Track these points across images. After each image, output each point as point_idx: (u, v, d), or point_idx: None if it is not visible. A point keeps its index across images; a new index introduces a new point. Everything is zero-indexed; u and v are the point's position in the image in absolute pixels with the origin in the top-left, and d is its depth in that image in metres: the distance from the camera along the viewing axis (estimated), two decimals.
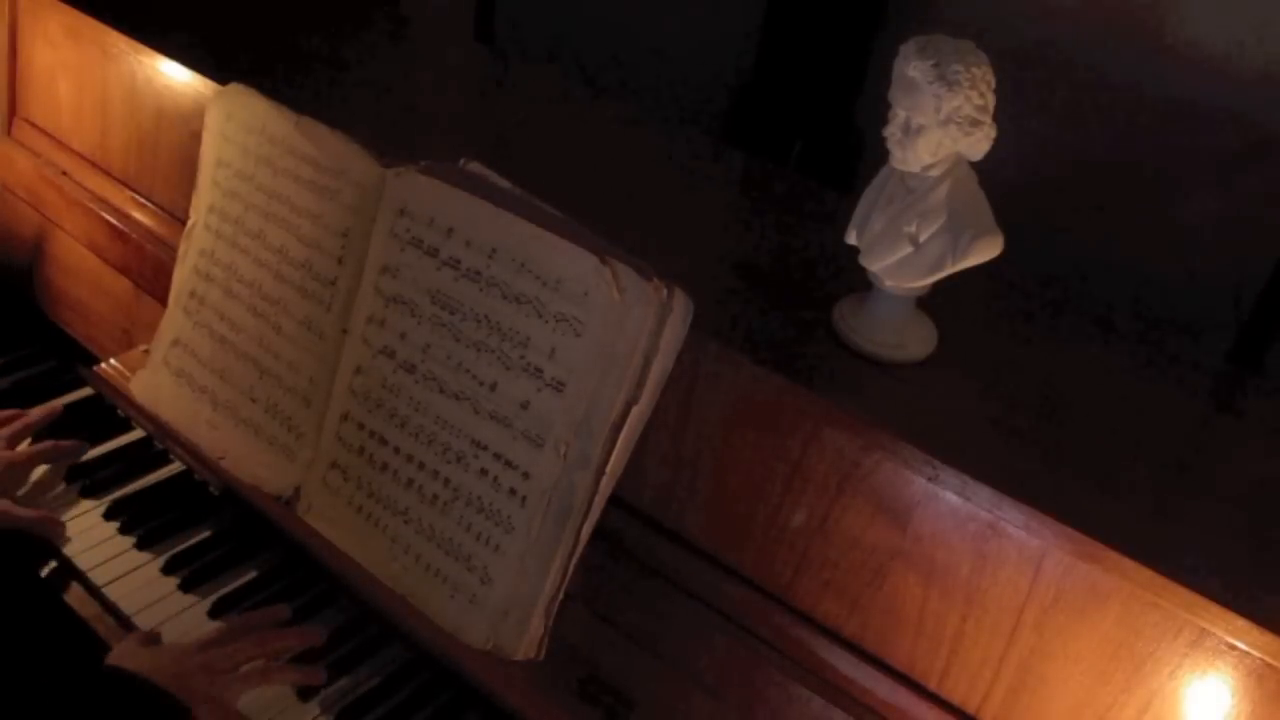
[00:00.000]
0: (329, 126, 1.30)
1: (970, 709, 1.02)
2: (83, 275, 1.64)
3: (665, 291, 1.07)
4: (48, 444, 1.43)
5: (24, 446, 1.44)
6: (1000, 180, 1.10)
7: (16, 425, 1.43)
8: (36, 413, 1.46)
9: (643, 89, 2.33)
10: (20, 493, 1.39)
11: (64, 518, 1.38)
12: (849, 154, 2.22)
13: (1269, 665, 0.87)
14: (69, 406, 1.56)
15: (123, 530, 1.38)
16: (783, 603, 1.10)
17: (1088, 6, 1.91)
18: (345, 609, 1.32)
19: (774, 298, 1.22)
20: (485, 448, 1.17)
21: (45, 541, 1.34)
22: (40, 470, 1.43)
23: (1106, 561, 0.92)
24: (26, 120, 1.70)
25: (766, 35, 2.28)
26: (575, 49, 2.48)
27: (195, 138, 1.41)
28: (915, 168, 1.05)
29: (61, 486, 1.43)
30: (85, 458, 1.46)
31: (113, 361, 1.52)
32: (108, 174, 1.60)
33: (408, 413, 1.23)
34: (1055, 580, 0.95)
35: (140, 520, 1.39)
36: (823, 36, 2.19)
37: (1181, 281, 1.86)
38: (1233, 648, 0.88)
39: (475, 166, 1.25)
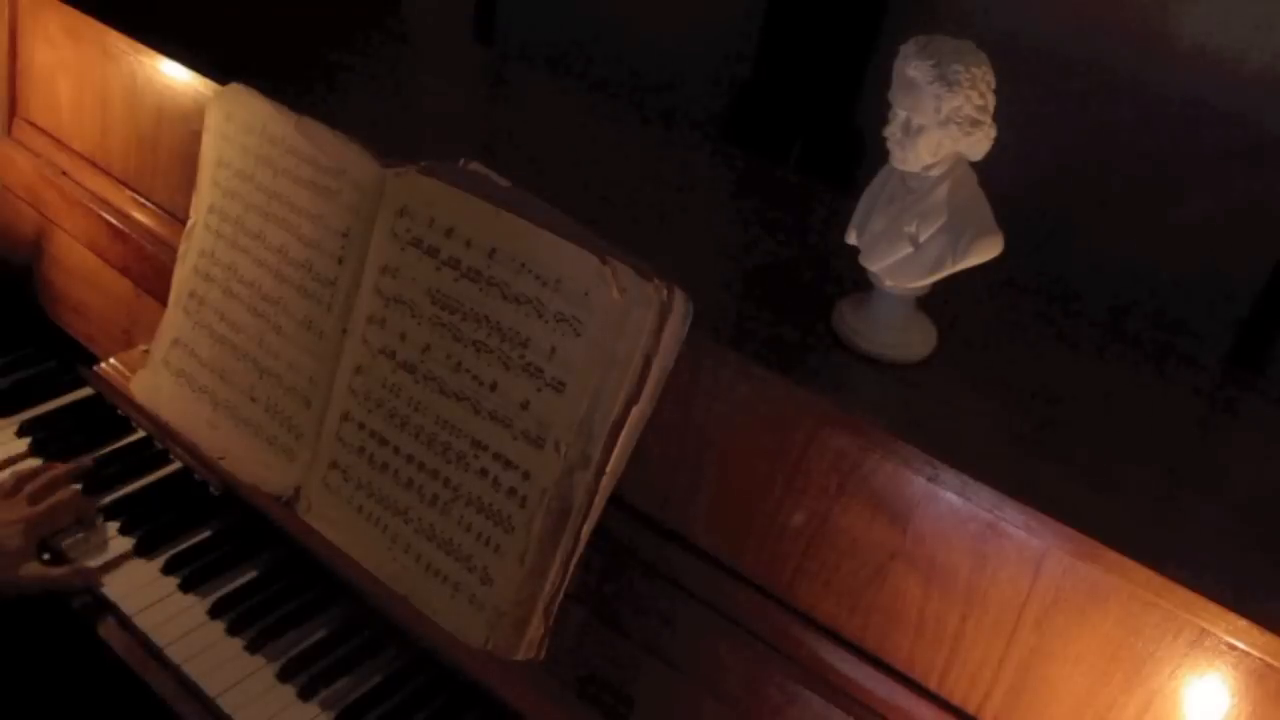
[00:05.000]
0: (329, 126, 1.30)
1: (970, 709, 1.02)
2: (83, 275, 1.64)
3: (665, 291, 1.07)
4: (64, 498, 1.37)
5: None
6: (1001, 180, 1.10)
7: (41, 480, 1.37)
8: (63, 469, 1.41)
9: (643, 89, 2.33)
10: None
11: None
12: (849, 154, 2.22)
13: (1269, 665, 0.87)
14: (69, 406, 1.56)
15: (123, 530, 1.38)
16: (783, 602, 1.10)
17: (1089, 5, 1.91)
18: (345, 609, 1.32)
19: (773, 297, 1.22)
20: (485, 448, 1.17)
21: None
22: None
23: (1106, 561, 0.92)
24: (26, 120, 1.70)
25: (766, 35, 2.27)
26: (574, 49, 2.47)
27: (195, 137, 1.41)
28: (915, 168, 1.05)
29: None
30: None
31: (113, 361, 1.52)
32: (108, 174, 1.60)
33: (408, 413, 1.23)
34: (1055, 580, 0.95)
35: (140, 520, 1.39)
36: (823, 36, 2.19)
37: (1181, 281, 1.86)
38: (1233, 648, 0.88)
39: (475, 166, 1.25)
